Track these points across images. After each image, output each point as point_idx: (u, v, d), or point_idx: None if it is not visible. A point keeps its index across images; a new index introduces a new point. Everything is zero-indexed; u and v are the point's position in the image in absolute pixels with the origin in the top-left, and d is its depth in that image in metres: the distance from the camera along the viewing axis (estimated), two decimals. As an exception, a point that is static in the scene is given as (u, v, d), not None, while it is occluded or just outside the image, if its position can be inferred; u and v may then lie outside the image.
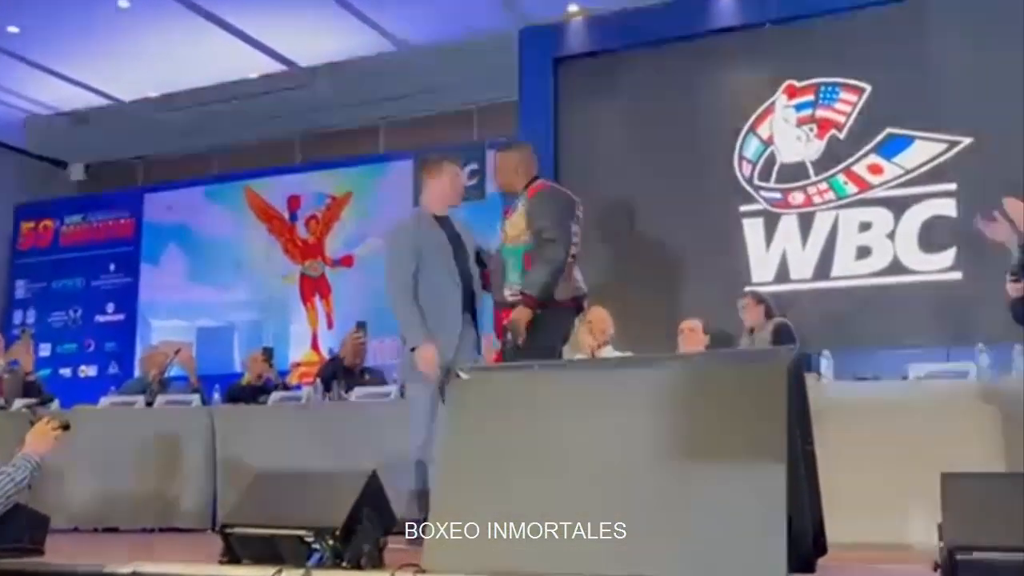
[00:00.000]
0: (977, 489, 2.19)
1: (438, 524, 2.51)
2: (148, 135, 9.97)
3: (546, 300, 3.75)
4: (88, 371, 9.89)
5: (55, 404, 5.40)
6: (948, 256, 6.52)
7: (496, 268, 3.93)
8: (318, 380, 5.82)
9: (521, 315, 3.73)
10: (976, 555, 1.99)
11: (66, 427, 3.39)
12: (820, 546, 2.52)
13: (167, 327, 9.53)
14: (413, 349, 3.86)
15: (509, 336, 3.75)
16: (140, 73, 8.87)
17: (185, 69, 8.71)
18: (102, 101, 9.48)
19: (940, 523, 2.18)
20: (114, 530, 5.47)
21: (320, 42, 8.34)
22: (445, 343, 3.89)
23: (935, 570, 2.16)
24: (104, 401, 5.96)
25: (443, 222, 4.09)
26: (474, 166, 8.47)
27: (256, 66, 8.74)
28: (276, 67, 8.76)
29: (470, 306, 4.01)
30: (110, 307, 10.01)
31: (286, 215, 9.50)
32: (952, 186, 6.59)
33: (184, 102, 9.34)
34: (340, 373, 6.01)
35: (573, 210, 4.01)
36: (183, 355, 6.67)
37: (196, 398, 5.86)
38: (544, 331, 3.83)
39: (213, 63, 8.57)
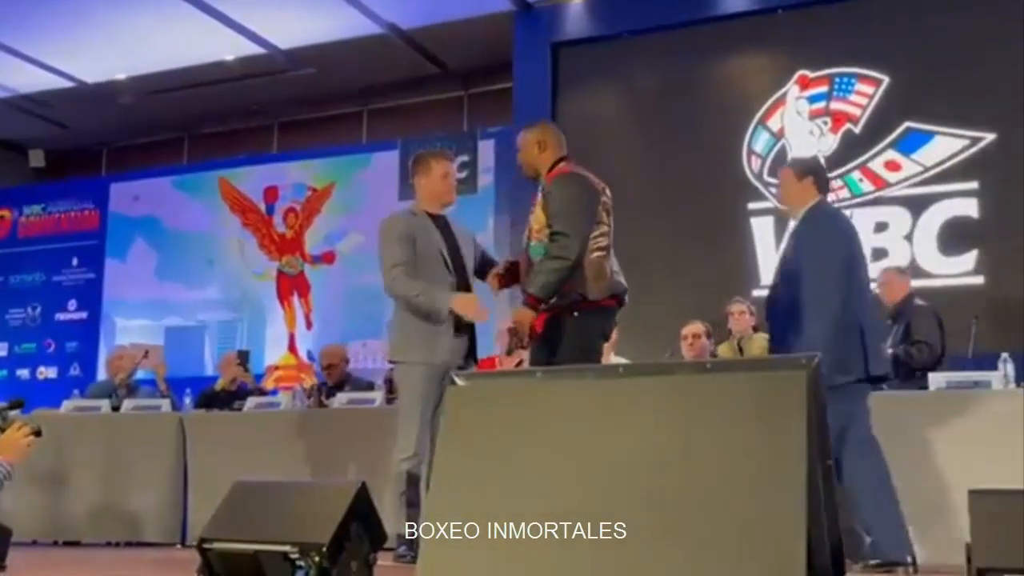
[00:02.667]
0: (1007, 507, 2.19)
1: (433, 533, 2.51)
2: (114, 120, 9.94)
3: (548, 300, 3.70)
4: (48, 373, 9.85)
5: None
6: (969, 259, 6.56)
7: (525, 268, 3.88)
8: (298, 387, 5.81)
9: (523, 316, 3.69)
10: (1007, 577, 2.00)
11: (38, 433, 3.36)
12: (839, 567, 2.52)
13: (134, 326, 9.50)
14: (450, 312, 3.87)
15: (513, 340, 3.73)
16: (106, 53, 8.82)
17: (155, 50, 8.67)
18: (64, 83, 9.42)
19: (968, 543, 2.19)
20: (75, 544, 5.46)
21: (301, 23, 8.33)
22: (439, 345, 3.90)
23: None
24: (66, 405, 5.93)
25: (438, 220, 4.10)
26: (464, 157, 8.47)
27: (232, 48, 8.71)
28: (254, 49, 8.74)
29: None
30: (72, 304, 9.97)
31: (262, 207, 9.47)
32: (974, 185, 6.63)
33: (154, 85, 9.30)
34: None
35: (594, 198, 3.80)
36: (152, 358, 6.65)
37: (166, 403, 5.85)
38: (579, 334, 3.77)
39: (186, 44, 8.54)
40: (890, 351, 5.19)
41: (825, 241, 3.85)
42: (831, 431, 3.24)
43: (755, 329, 6.13)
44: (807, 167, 4.13)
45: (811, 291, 3.75)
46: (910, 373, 5.22)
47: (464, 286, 4.03)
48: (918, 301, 5.68)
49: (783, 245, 4.18)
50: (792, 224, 4.10)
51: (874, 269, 6.70)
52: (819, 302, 3.72)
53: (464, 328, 3.99)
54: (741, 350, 5.94)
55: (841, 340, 3.65)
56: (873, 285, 6.00)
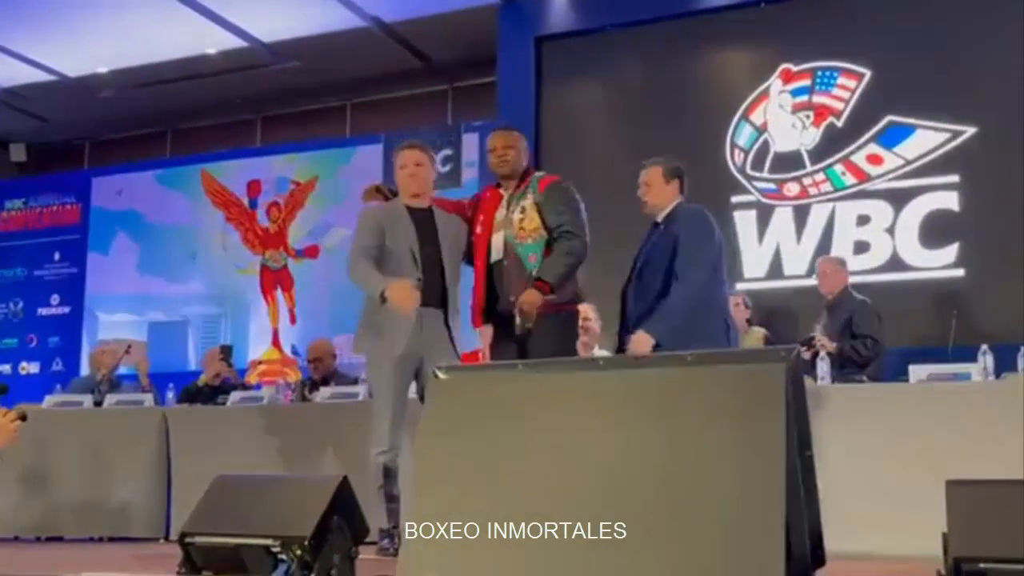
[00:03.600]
0: (983, 497, 2.21)
1: (414, 530, 2.52)
2: (96, 114, 9.88)
3: (554, 291, 3.82)
4: (30, 368, 9.80)
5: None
6: (950, 252, 6.60)
7: (514, 267, 3.91)
8: (282, 381, 5.81)
9: (534, 298, 3.76)
10: (983, 566, 2.02)
11: (23, 418, 3.35)
12: (818, 557, 2.54)
13: (116, 321, 9.46)
14: (383, 299, 3.82)
15: (519, 321, 3.77)
16: (88, 47, 8.77)
17: (138, 43, 8.63)
18: (46, 76, 9.36)
19: (944, 533, 2.21)
20: (58, 539, 5.44)
21: (284, 17, 8.30)
22: (398, 334, 3.90)
23: (940, 579, 2.19)
24: (49, 400, 5.91)
25: (416, 212, 4.10)
26: (448, 151, 8.47)
27: (215, 41, 8.68)
28: (236, 43, 8.70)
29: (439, 301, 4.02)
30: (54, 299, 9.92)
31: (245, 201, 9.44)
32: (955, 178, 6.67)
33: (136, 79, 9.26)
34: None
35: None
36: (134, 354, 6.62)
37: (149, 398, 5.83)
38: (572, 330, 4.03)
39: (168, 38, 8.50)
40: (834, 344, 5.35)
41: (707, 238, 4.07)
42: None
43: (749, 322, 6.16)
44: (676, 170, 4.26)
45: (681, 271, 3.94)
46: (853, 367, 5.29)
47: (433, 282, 4.00)
48: (857, 295, 5.75)
49: (643, 243, 4.25)
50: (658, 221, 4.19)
51: (856, 261, 6.78)
52: (686, 278, 3.92)
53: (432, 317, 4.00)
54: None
55: (702, 313, 3.90)
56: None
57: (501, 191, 4.09)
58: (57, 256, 10.02)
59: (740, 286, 6.84)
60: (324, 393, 5.48)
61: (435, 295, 4.01)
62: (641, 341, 3.83)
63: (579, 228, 3.97)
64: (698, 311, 3.90)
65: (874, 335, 5.48)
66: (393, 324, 3.91)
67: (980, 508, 2.17)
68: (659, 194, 4.21)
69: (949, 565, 2.04)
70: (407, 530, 2.53)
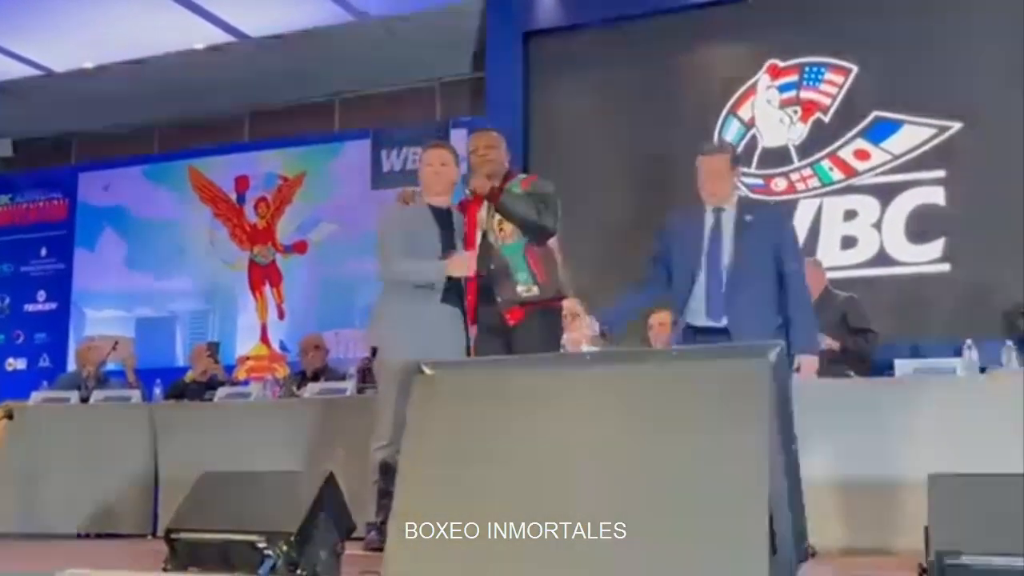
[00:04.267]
0: (966, 490, 2.23)
1: (399, 529, 2.52)
2: (83, 109, 9.83)
3: (524, 222, 3.89)
4: (17, 364, 9.76)
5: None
6: (936, 247, 6.63)
7: (499, 266, 3.93)
8: (270, 377, 5.81)
9: (484, 187, 3.96)
10: (964, 559, 2.03)
11: (10, 416, 3.36)
12: (802, 551, 2.56)
13: (103, 317, 9.43)
14: (449, 279, 3.97)
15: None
16: (75, 42, 8.72)
17: (124, 38, 8.58)
18: (32, 71, 9.31)
19: (927, 526, 2.23)
20: (45, 536, 5.42)
21: (271, 11, 8.27)
22: (413, 329, 3.92)
23: (921, 574, 2.21)
24: (35, 396, 5.89)
25: (438, 212, 4.13)
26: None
27: (202, 36, 8.64)
28: (223, 37, 8.67)
29: (458, 301, 4.04)
30: (41, 295, 9.88)
31: (233, 197, 9.42)
32: (941, 173, 6.70)
33: (123, 74, 9.21)
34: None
35: None
36: (121, 350, 6.61)
37: (136, 394, 5.82)
38: (557, 328, 4.04)
39: (155, 32, 8.46)
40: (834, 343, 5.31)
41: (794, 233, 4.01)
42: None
43: None
44: (739, 157, 4.14)
45: (798, 270, 3.86)
46: (861, 361, 5.29)
47: (453, 282, 4.04)
48: (840, 292, 5.74)
49: (728, 236, 3.96)
50: (728, 215, 3.96)
51: (844, 257, 6.81)
52: (801, 273, 3.86)
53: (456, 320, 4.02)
54: None
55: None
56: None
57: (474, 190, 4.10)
58: (44, 252, 9.98)
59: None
60: (312, 388, 5.48)
61: (455, 294, 4.04)
62: (810, 365, 3.81)
63: (555, 213, 4.00)
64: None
65: (871, 327, 5.48)
66: (415, 323, 3.93)
67: (962, 501, 2.19)
68: (726, 184, 3.99)
69: (931, 558, 2.05)
70: (392, 527, 2.54)
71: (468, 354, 4.02)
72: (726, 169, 3.98)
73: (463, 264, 3.97)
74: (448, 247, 4.06)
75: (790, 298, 3.81)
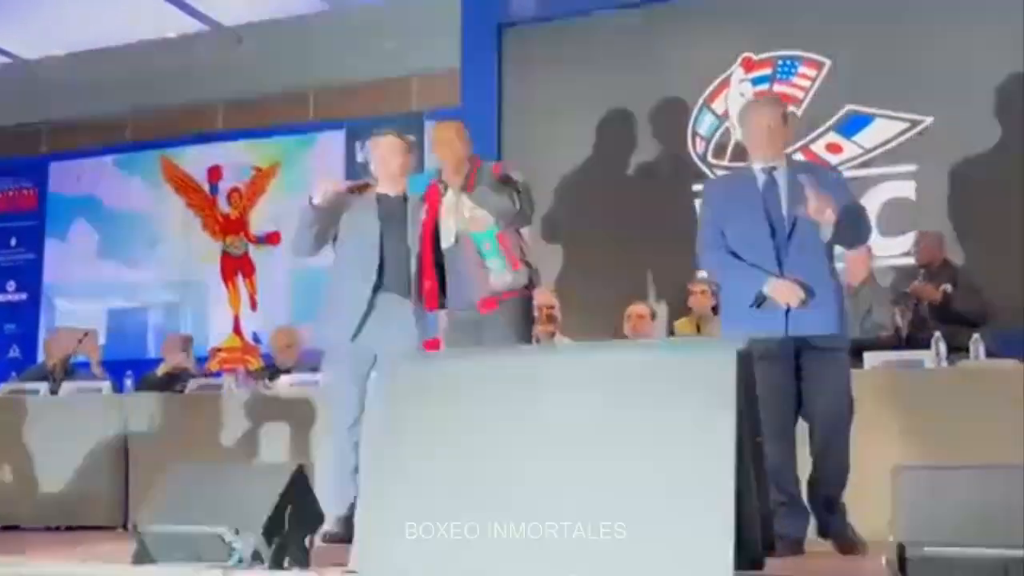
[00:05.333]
0: (929, 482, 2.26)
1: (367, 521, 2.53)
2: (54, 98, 9.71)
3: (489, 204, 3.88)
4: (-14, 355, 9.67)
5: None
6: (907, 240, 6.68)
7: (471, 255, 3.90)
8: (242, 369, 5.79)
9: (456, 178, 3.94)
10: (927, 551, 2.06)
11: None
12: (769, 542, 2.58)
13: (75, 308, 9.35)
14: (313, 204, 3.98)
15: None
16: (45, 29, 8.64)
17: (96, 26, 8.50)
18: (2, 59, 9.22)
19: (890, 518, 2.25)
20: (14, 528, 5.38)
21: (246, 0, 8.21)
22: (354, 321, 3.92)
23: (886, 566, 2.23)
24: (3, 388, 5.84)
25: (385, 199, 4.11)
26: (411, 138, 8.42)
27: (175, 25, 8.58)
28: (197, 26, 8.61)
29: (404, 288, 4.02)
30: (11, 285, 9.78)
31: (206, 188, 9.35)
32: (912, 167, 6.76)
33: (94, 62, 9.12)
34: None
35: None
36: (86, 342, 6.55)
37: (107, 385, 5.78)
38: (525, 323, 3.98)
39: (128, 20, 8.39)
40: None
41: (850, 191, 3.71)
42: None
43: (715, 311, 6.20)
44: (789, 113, 3.82)
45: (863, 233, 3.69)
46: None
47: (397, 266, 4.02)
48: (882, 286, 5.72)
49: (783, 193, 3.63)
50: (779, 172, 3.66)
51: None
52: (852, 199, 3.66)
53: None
54: (699, 329, 6.02)
55: None
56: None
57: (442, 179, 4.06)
58: (13, 242, 9.87)
59: (700, 274, 6.88)
60: (284, 381, 5.46)
61: (400, 282, 4.02)
62: (856, 261, 3.77)
63: (530, 200, 3.98)
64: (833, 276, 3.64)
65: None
66: (351, 310, 3.93)
67: (925, 493, 2.21)
68: (782, 137, 3.72)
69: (893, 549, 2.07)
70: (360, 519, 2.54)
71: (418, 341, 4.01)
72: (779, 123, 3.69)
73: (323, 183, 4.03)
74: (392, 232, 4.04)
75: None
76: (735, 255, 3.63)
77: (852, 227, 3.58)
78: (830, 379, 3.50)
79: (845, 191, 3.68)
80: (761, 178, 3.66)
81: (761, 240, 3.58)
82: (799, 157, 6.96)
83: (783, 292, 3.50)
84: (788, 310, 3.47)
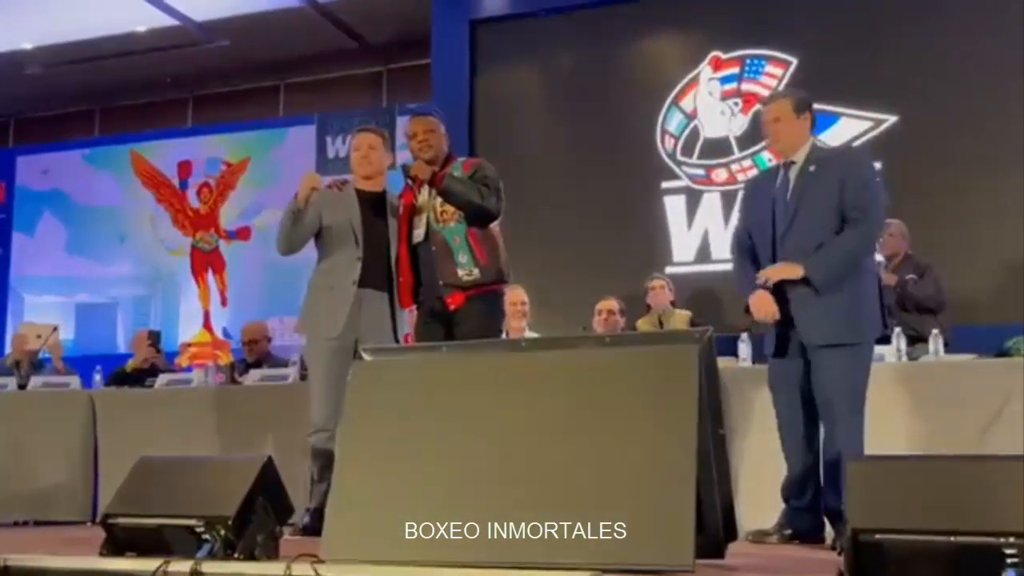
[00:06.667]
0: (881, 472, 2.31)
1: (338, 512, 2.56)
2: (21, 91, 9.67)
3: (452, 198, 3.89)
4: (-48, 350, 9.58)
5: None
6: (871, 237, 6.77)
7: (441, 250, 3.94)
8: (212, 364, 5.78)
9: (424, 172, 3.94)
10: (878, 537, 2.11)
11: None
12: (730, 531, 2.64)
13: (43, 303, 9.30)
14: (298, 203, 3.99)
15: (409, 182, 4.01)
16: (12, 22, 8.58)
17: (65, 19, 8.46)
18: (-32, 52, 9.15)
19: (843, 506, 2.31)
20: (-19, 524, 5.37)
21: (215, -6, 8.21)
22: (335, 316, 3.94)
23: (839, 554, 2.29)
24: (-30, 383, 5.81)
25: (365, 194, 4.14)
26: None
27: (144, 18, 8.54)
28: (167, 21, 8.58)
29: (384, 284, 4.05)
30: (-23, 280, 9.72)
31: (176, 182, 9.33)
32: (877, 165, 6.84)
33: (63, 56, 9.07)
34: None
35: None
36: (52, 339, 6.52)
37: (75, 380, 5.76)
38: (499, 312, 4.04)
39: (97, 14, 8.35)
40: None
41: (875, 183, 3.64)
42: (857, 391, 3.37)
43: (673, 304, 6.28)
44: (806, 102, 3.70)
45: (861, 214, 3.51)
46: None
47: (376, 262, 4.05)
48: (921, 261, 5.72)
49: (789, 188, 3.63)
50: (795, 167, 3.64)
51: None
52: (868, 218, 3.51)
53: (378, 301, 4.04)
54: (662, 324, 6.08)
55: (860, 268, 3.55)
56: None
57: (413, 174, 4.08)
58: (-21, 236, 9.82)
59: (669, 270, 6.96)
60: (254, 375, 5.47)
61: (379, 277, 4.04)
62: (787, 270, 3.50)
63: (498, 196, 3.97)
64: (858, 264, 3.54)
65: (930, 306, 5.47)
66: (331, 306, 3.96)
67: (877, 482, 2.27)
68: (792, 130, 3.64)
69: (846, 536, 2.13)
70: (331, 512, 2.57)
71: (396, 338, 4.04)
72: (786, 116, 3.64)
73: (305, 179, 4.03)
74: (374, 227, 4.07)
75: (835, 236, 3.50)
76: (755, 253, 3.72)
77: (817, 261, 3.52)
78: (825, 375, 3.50)
79: (850, 172, 3.58)
80: (779, 175, 3.69)
81: (764, 234, 3.65)
82: (767, 156, 7.07)
83: (757, 306, 3.59)
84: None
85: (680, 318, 6.11)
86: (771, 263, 3.59)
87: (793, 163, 3.65)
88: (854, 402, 3.48)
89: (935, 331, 4.52)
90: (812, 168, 3.60)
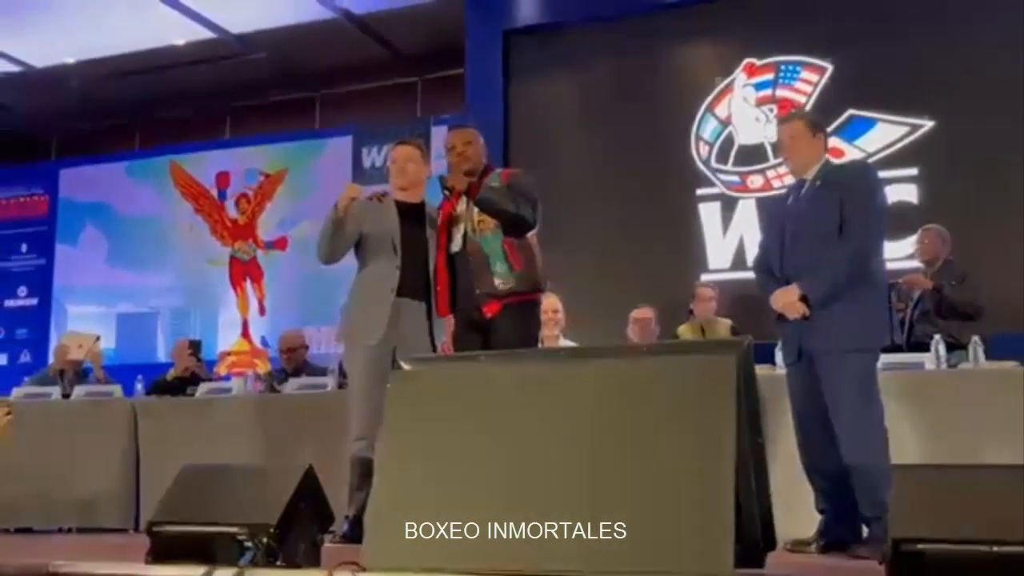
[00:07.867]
0: (926, 481, 2.29)
1: (378, 519, 2.57)
2: (64, 105, 9.81)
3: (486, 207, 3.89)
4: (-3, 360, 9.76)
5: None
6: (909, 244, 6.71)
7: (477, 259, 3.96)
8: (251, 372, 5.83)
9: (461, 184, 3.93)
10: (921, 547, 2.09)
11: (9, 412, 3.38)
12: (769, 540, 2.62)
13: (85, 313, 9.43)
14: (337, 212, 4.03)
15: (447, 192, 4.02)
16: (55, 37, 8.72)
17: (105, 34, 8.59)
18: (12, 67, 9.31)
19: (888, 516, 2.29)
20: (27, 531, 5.45)
21: (253, 8, 8.30)
22: (374, 324, 3.97)
23: (881, 563, 2.27)
24: (17, 392, 5.90)
25: (406, 207, 4.17)
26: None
27: (183, 32, 8.66)
28: (205, 34, 8.69)
29: (422, 293, 4.08)
30: (22, 291, 9.87)
31: (214, 193, 9.43)
32: (914, 171, 6.79)
33: (104, 70, 9.21)
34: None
35: None
36: (95, 349, 6.62)
37: (117, 389, 5.83)
38: (536, 322, 4.04)
39: (136, 28, 8.47)
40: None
41: (878, 195, 3.71)
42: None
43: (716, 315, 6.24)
44: (820, 123, 3.84)
45: (852, 229, 3.54)
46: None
47: (414, 271, 4.08)
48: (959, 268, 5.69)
49: (781, 206, 3.80)
50: (808, 185, 3.69)
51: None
52: (858, 235, 3.54)
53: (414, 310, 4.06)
54: (703, 333, 6.06)
55: (863, 280, 3.56)
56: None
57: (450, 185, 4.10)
58: (24, 247, 9.96)
59: (704, 277, 6.93)
60: (292, 384, 5.51)
61: (417, 287, 4.07)
62: (787, 294, 3.56)
63: (534, 206, 3.97)
64: (860, 277, 3.55)
65: (969, 312, 5.44)
66: (370, 314, 3.99)
67: (922, 492, 2.25)
68: (805, 149, 3.72)
69: (889, 546, 2.11)
70: (371, 521, 2.59)
71: (432, 346, 4.05)
72: (800, 136, 3.73)
73: (346, 190, 4.08)
74: (412, 237, 4.10)
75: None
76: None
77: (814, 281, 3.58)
78: (829, 383, 3.50)
79: (852, 187, 3.63)
80: (793, 194, 3.78)
81: (772, 251, 3.76)
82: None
83: (781, 303, 3.61)
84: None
85: (723, 327, 6.08)
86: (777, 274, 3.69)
87: (805, 181, 3.72)
88: (864, 408, 3.47)
89: (975, 338, 4.47)
90: (818, 183, 3.66)
